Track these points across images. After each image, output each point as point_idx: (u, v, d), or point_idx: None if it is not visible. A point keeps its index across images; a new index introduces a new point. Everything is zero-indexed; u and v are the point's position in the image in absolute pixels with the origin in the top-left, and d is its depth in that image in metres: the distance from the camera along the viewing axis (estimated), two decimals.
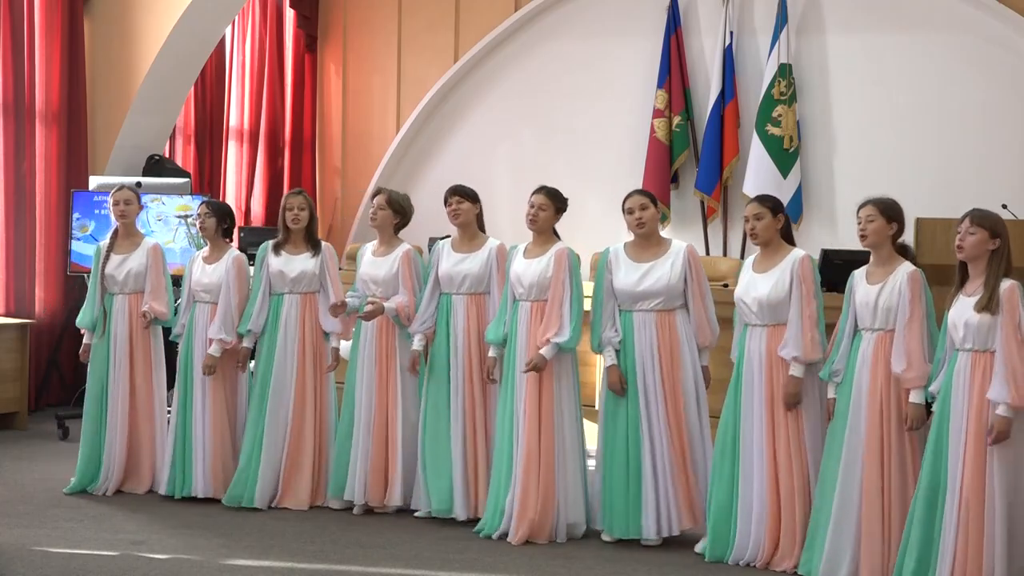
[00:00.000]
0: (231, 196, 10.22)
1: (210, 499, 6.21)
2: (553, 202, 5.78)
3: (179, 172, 9.18)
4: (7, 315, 8.32)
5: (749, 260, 5.55)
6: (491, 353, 5.82)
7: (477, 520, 5.84)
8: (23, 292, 8.45)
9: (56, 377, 8.67)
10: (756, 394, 5.31)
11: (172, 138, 9.62)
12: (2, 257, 8.36)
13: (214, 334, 6.20)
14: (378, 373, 6.05)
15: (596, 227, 8.86)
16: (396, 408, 6.03)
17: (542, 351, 5.57)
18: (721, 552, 5.36)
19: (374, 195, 6.22)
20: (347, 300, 6.11)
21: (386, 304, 6.01)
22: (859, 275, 5.17)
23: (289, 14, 10.68)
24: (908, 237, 5.40)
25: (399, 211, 6.16)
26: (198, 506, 6.15)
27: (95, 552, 5.29)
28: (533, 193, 5.81)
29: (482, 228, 6.10)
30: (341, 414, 6.18)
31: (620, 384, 5.56)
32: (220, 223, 6.38)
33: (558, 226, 5.88)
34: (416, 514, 6.01)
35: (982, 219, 4.70)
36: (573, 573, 5.19)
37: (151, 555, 5.28)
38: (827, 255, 7.18)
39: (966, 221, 4.72)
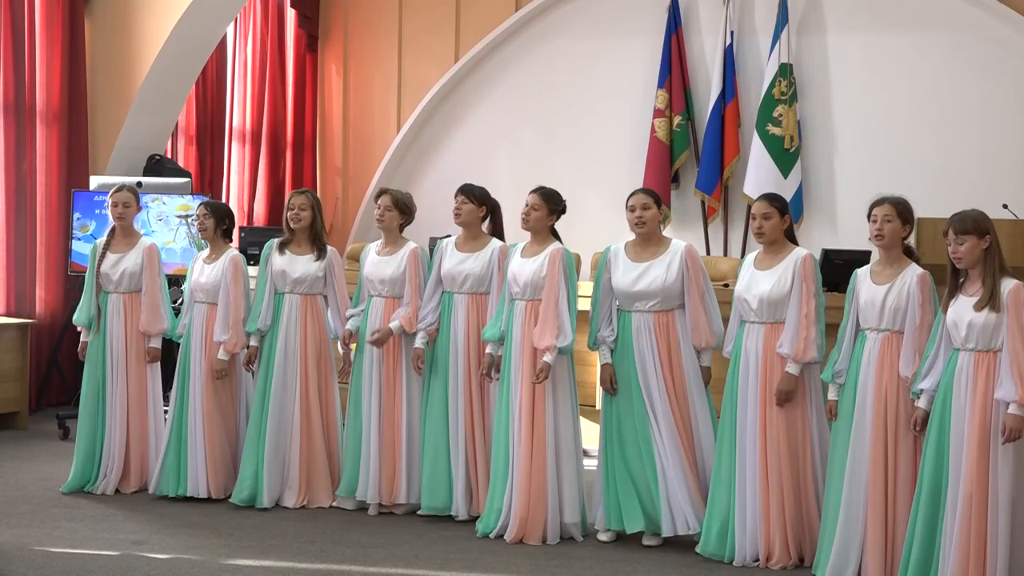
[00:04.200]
0: (233, 196, 10.23)
1: (207, 499, 6.22)
2: (547, 203, 5.75)
3: (180, 172, 9.18)
4: (7, 315, 8.32)
5: (750, 257, 5.53)
6: (488, 350, 5.81)
7: (476, 519, 5.85)
8: (23, 292, 8.45)
9: (56, 377, 8.67)
10: (751, 392, 5.31)
11: (173, 138, 9.62)
12: (2, 257, 8.35)
13: (219, 337, 6.22)
14: (385, 373, 6.06)
15: (596, 227, 8.86)
16: (402, 407, 6.04)
17: (546, 359, 5.54)
18: (719, 551, 5.36)
19: (377, 196, 6.23)
20: (348, 327, 6.16)
21: (391, 325, 6.01)
22: (863, 274, 5.15)
23: (290, 14, 10.68)
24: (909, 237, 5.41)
25: (404, 211, 6.17)
26: (198, 506, 6.15)
27: (96, 552, 5.30)
28: (530, 192, 5.81)
29: (499, 235, 6.06)
30: (348, 414, 6.18)
31: (611, 383, 5.58)
32: (219, 224, 6.38)
33: (559, 226, 5.87)
34: (419, 512, 6.03)
35: (964, 226, 4.67)
36: (573, 573, 5.19)
37: (151, 555, 5.28)
38: (827, 255, 7.18)
39: (950, 232, 4.69)
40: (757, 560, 5.28)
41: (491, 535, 5.64)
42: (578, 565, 5.29)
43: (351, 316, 6.19)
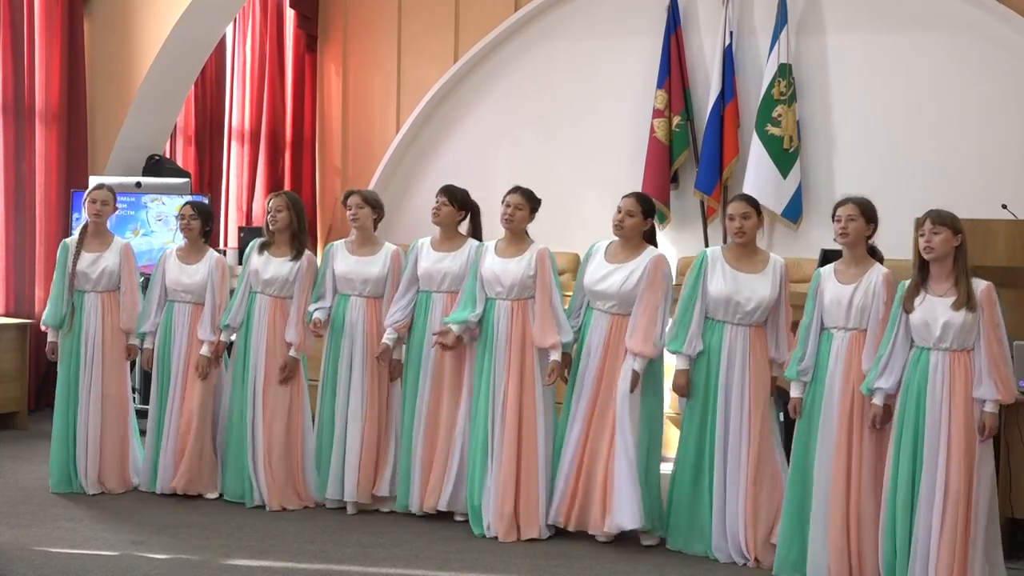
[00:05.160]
0: (232, 196, 10.22)
1: (198, 497, 6.25)
2: (528, 202, 5.83)
3: (179, 172, 9.18)
4: (7, 315, 8.32)
5: (714, 253, 5.49)
6: (453, 329, 5.77)
7: (449, 514, 5.91)
8: (23, 292, 8.45)
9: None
10: (736, 392, 5.35)
11: (172, 138, 9.62)
12: (2, 257, 8.35)
13: (204, 335, 6.26)
14: (367, 373, 6.06)
15: (595, 226, 8.78)
16: (385, 405, 6.07)
17: (554, 356, 5.63)
18: (703, 549, 5.41)
19: (344, 199, 6.25)
20: (316, 316, 6.11)
21: (386, 342, 6.00)
22: (827, 273, 5.19)
23: (289, 14, 10.67)
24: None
25: (375, 206, 6.21)
26: (198, 506, 6.15)
27: (95, 552, 5.30)
28: (508, 193, 5.85)
29: (477, 236, 6.08)
30: (321, 412, 6.18)
31: (564, 371, 5.67)
32: (204, 225, 6.45)
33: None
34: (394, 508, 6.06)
35: (942, 218, 4.76)
36: (573, 573, 5.20)
37: (151, 555, 5.29)
38: (827, 255, 7.16)
39: (927, 222, 4.77)
40: (746, 560, 5.32)
41: (486, 534, 5.66)
42: (578, 565, 5.30)
43: (317, 309, 6.12)
